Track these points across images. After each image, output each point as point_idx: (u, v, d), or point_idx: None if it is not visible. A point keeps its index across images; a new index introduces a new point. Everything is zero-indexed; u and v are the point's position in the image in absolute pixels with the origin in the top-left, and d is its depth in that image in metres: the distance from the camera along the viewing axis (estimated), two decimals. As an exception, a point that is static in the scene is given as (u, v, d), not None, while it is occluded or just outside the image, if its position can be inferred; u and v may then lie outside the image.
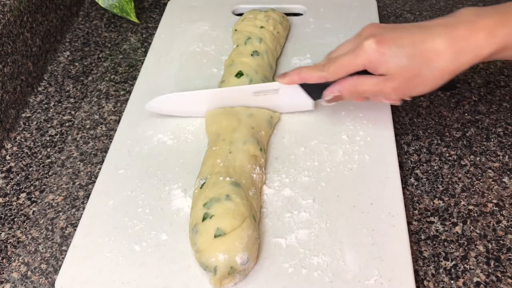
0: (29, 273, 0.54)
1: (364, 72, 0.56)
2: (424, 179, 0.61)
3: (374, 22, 0.58)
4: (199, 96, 0.65)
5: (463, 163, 0.62)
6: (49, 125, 0.70)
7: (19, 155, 0.66)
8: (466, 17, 0.53)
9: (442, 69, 0.53)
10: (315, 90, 0.61)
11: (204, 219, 0.51)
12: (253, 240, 0.50)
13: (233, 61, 0.69)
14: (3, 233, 0.58)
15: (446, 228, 0.56)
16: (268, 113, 0.64)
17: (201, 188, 0.54)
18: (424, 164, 0.62)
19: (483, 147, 0.64)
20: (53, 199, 0.61)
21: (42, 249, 0.56)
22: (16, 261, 0.55)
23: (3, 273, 0.54)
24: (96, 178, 0.61)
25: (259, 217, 0.54)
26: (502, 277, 0.52)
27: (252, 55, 0.69)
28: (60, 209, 0.60)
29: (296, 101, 0.64)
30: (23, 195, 0.62)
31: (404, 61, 0.53)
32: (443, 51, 0.52)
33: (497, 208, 0.58)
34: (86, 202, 0.58)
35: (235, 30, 0.75)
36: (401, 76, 0.54)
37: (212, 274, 0.48)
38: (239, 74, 0.66)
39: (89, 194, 0.59)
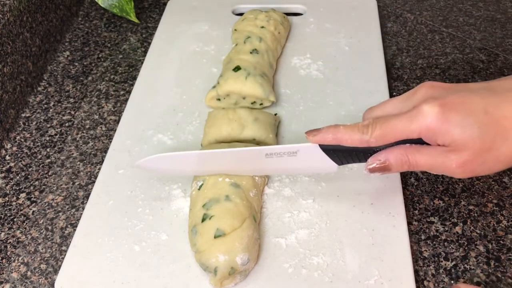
0: (28, 273, 0.54)
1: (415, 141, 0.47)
2: (424, 179, 0.61)
3: (431, 81, 0.47)
4: (197, 158, 0.54)
5: (463, 163, 0.62)
6: (48, 125, 0.70)
7: (19, 155, 0.66)
8: None
9: None
10: (342, 155, 0.51)
11: (203, 219, 0.51)
12: (254, 241, 0.50)
13: (231, 59, 0.69)
14: (2, 233, 0.58)
15: (446, 228, 0.56)
16: (272, 116, 0.64)
17: (199, 189, 0.54)
18: (424, 164, 0.62)
19: (483, 147, 0.64)
20: (52, 199, 0.61)
21: (42, 249, 0.56)
22: (16, 261, 0.55)
23: (3, 273, 0.54)
24: (96, 178, 0.61)
25: (259, 218, 0.54)
26: (502, 277, 0.52)
27: (251, 53, 0.69)
28: (60, 209, 0.60)
29: (316, 165, 0.52)
30: (22, 195, 0.61)
31: (474, 131, 0.43)
32: None
33: (497, 208, 0.57)
34: (86, 202, 0.58)
35: (235, 30, 0.75)
36: (469, 149, 0.43)
37: (212, 274, 0.48)
38: (237, 68, 0.66)
39: (89, 194, 0.59)
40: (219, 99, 0.66)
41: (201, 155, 0.54)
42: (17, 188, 0.62)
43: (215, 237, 0.49)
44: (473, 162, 0.44)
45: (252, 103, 0.66)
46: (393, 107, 0.48)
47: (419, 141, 0.46)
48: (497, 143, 0.43)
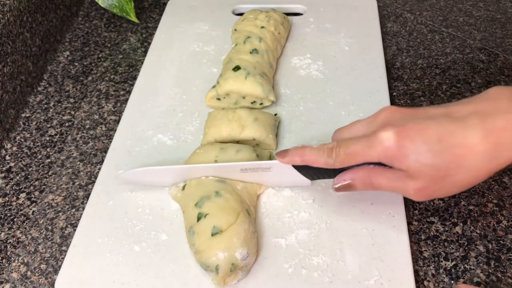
0: (28, 273, 0.54)
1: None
2: (424, 179, 0.61)
3: (393, 106, 0.48)
4: (178, 172, 0.56)
5: (463, 163, 0.62)
6: (48, 125, 0.70)
7: (19, 155, 0.66)
8: (504, 103, 0.44)
9: (476, 169, 0.43)
10: (312, 172, 0.54)
11: (199, 219, 0.51)
12: (251, 234, 0.50)
13: (231, 59, 0.69)
14: (2, 233, 0.58)
15: (446, 228, 0.56)
16: (272, 116, 0.64)
17: (183, 189, 0.55)
18: (424, 164, 0.62)
19: (483, 147, 0.64)
20: (52, 199, 0.61)
21: (42, 249, 0.56)
22: (16, 261, 0.55)
23: (3, 273, 0.54)
24: (96, 178, 0.61)
25: (253, 212, 0.54)
26: (502, 277, 0.52)
27: (251, 53, 0.69)
28: (60, 209, 0.60)
29: (290, 179, 0.56)
30: (22, 195, 0.61)
31: (428, 159, 0.44)
32: (476, 147, 0.43)
33: (497, 208, 0.57)
34: (86, 202, 0.58)
35: (235, 30, 0.75)
36: (424, 176, 0.45)
37: (214, 273, 0.48)
38: (237, 68, 0.66)
39: (89, 194, 0.59)
40: (219, 99, 0.66)
41: (182, 169, 0.56)
42: (17, 188, 0.62)
43: (212, 234, 0.49)
44: (429, 188, 0.45)
45: (252, 103, 0.66)
46: (358, 129, 0.50)
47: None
48: (451, 170, 0.44)
